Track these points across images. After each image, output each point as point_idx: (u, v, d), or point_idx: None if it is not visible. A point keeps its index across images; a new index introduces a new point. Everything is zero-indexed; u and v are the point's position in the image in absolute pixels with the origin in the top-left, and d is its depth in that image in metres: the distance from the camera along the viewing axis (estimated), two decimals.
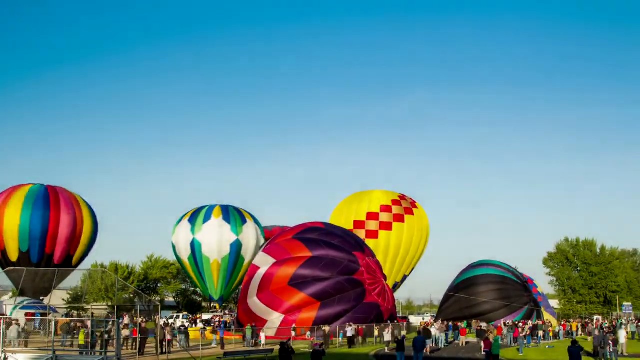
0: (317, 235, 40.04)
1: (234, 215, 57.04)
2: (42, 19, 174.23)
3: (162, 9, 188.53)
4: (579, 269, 77.43)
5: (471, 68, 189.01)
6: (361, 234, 54.51)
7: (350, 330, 34.81)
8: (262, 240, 56.79)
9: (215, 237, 54.97)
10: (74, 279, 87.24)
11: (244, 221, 57.07)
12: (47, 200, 48.77)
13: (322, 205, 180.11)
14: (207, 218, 56.24)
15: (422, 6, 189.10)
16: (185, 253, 56.48)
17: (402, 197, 57.70)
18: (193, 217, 56.75)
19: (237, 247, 55.79)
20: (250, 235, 56.62)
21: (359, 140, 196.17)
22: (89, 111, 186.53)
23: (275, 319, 37.22)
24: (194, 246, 55.60)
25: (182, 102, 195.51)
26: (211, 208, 57.41)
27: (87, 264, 75.44)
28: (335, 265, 37.89)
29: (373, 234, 55.30)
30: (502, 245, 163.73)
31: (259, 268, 39.42)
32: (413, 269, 57.28)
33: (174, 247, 58.60)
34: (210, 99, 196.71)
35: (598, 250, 77.04)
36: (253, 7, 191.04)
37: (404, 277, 57.29)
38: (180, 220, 58.08)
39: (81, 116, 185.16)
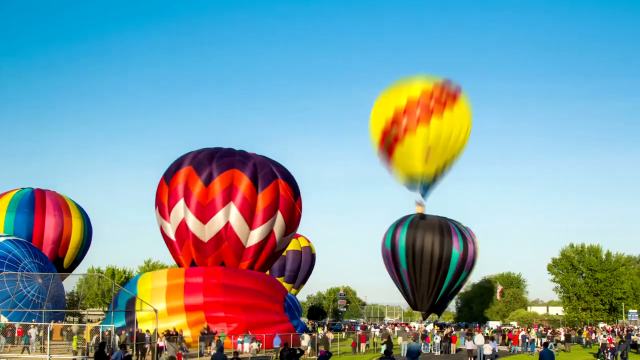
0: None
1: None
2: (36, 26, 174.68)
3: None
4: (584, 275, 76.48)
5: (470, 61, 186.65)
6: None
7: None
8: None
9: None
10: (70, 284, 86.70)
11: None
12: (32, 203, 48.56)
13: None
14: None
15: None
16: None
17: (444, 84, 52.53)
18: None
19: None
20: None
21: None
22: (87, 112, 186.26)
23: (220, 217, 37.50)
24: None
25: (181, 100, 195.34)
26: None
27: (83, 268, 74.79)
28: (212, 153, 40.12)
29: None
30: (505, 250, 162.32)
31: (182, 218, 38.07)
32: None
33: None
34: (206, 96, 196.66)
35: (603, 256, 76.11)
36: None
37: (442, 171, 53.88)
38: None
39: (80, 117, 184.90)
